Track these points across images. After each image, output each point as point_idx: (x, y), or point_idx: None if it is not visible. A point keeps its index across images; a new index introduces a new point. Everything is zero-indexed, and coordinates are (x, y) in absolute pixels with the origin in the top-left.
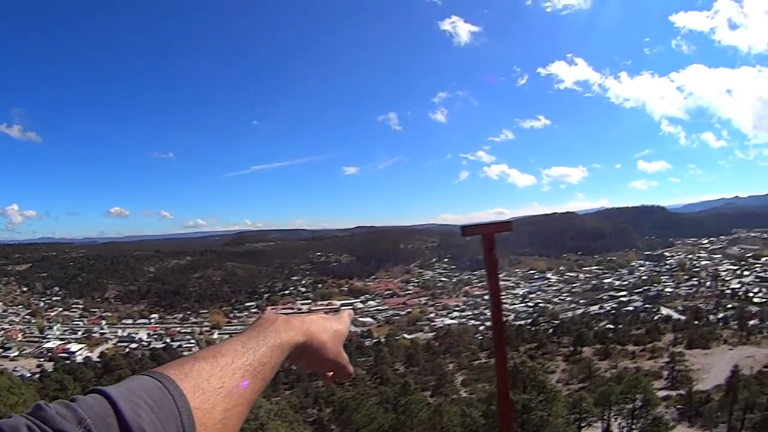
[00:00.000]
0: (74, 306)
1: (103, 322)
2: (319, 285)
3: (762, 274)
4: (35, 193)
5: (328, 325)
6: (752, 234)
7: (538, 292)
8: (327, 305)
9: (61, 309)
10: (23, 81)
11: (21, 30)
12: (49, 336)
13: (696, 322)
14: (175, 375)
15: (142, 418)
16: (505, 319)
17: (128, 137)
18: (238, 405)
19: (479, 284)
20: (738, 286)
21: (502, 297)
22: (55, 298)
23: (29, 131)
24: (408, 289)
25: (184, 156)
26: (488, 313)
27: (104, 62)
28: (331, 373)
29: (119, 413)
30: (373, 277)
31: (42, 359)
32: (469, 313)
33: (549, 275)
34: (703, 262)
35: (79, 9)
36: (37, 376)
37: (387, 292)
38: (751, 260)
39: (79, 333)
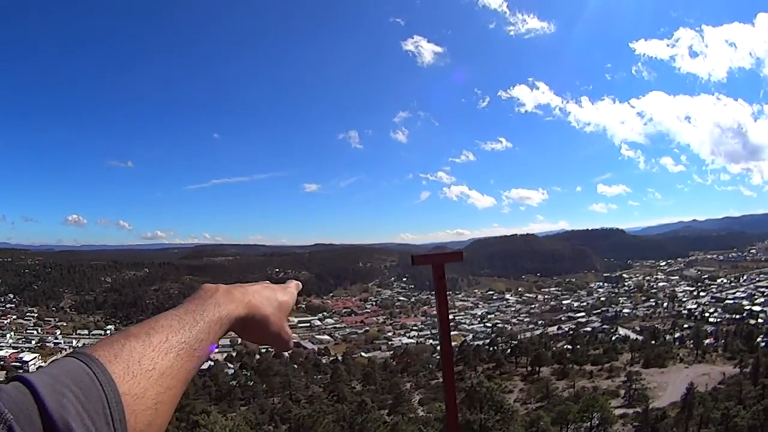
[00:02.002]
0: (29, 314)
1: (58, 331)
2: None
3: (717, 295)
4: None
5: (272, 296)
6: (708, 256)
7: (497, 313)
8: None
9: (15, 317)
10: None
11: None
12: (1, 344)
13: (653, 342)
14: (103, 357)
15: (67, 410)
16: (453, 344)
17: (86, 144)
18: (171, 387)
19: (435, 301)
20: (694, 306)
21: (461, 317)
22: (9, 305)
23: None
24: (366, 308)
25: (144, 166)
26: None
27: (63, 67)
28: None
29: (43, 405)
30: (331, 294)
31: None
32: (427, 332)
33: (508, 296)
34: (661, 284)
35: (38, 12)
36: None
37: (345, 310)
38: (707, 281)
39: (33, 342)
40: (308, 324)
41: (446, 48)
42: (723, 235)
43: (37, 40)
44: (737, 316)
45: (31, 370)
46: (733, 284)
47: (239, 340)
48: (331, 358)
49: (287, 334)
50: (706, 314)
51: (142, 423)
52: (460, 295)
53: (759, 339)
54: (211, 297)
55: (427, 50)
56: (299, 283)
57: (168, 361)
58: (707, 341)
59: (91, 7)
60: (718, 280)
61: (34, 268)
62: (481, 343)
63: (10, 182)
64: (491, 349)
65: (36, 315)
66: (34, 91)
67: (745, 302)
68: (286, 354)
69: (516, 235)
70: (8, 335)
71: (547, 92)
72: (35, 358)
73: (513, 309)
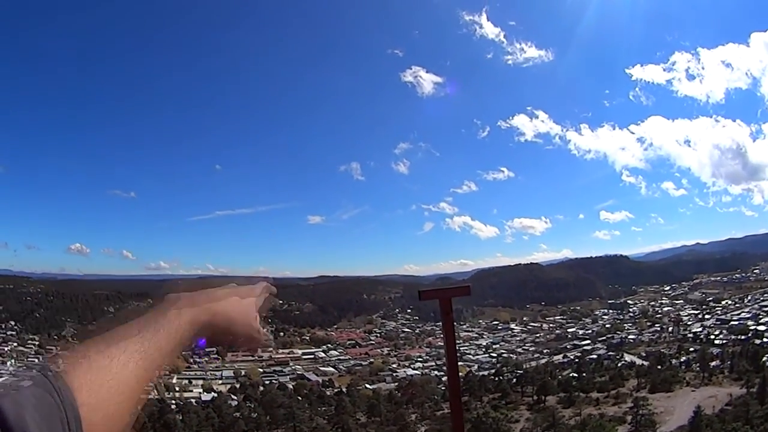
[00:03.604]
0: (30, 342)
1: (60, 360)
2: (281, 333)
3: (722, 317)
4: None
5: (234, 300)
6: (712, 278)
7: (502, 343)
8: (288, 353)
9: (15, 344)
10: None
11: None
12: (1, 372)
13: (659, 367)
14: (64, 370)
15: (25, 422)
16: (461, 377)
17: (90, 173)
18: (130, 398)
19: (442, 335)
20: (700, 329)
21: (466, 348)
22: (10, 333)
23: None
24: (370, 340)
25: (147, 196)
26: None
27: (67, 95)
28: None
29: (2, 413)
30: (335, 326)
31: None
32: (432, 363)
33: (512, 326)
34: (666, 308)
35: (41, 37)
36: None
37: (349, 341)
38: (712, 304)
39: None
40: (312, 356)
41: (445, 78)
42: (726, 257)
43: (35, 68)
44: (743, 337)
45: None
46: (737, 305)
47: (243, 372)
48: (336, 390)
49: (256, 331)
50: (712, 336)
51: None
52: (464, 326)
53: (765, 358)
54: (173, 305)
55: (426, 80)
56: (268, 284)
57: (127, 371)
58: (713, 363)
59: (93, 34)
60: (723, 302)
61: (36, 296)
62: (486, 373)
63: (13, 210)
64: (497, 379)
65: (37, 343)
66: (38, 119)
67: (750, 322)
68: (291, 386)
69: (520, 264)
70: (9, 363)
71: (546, 121)
72: None
73: (518, 338)
